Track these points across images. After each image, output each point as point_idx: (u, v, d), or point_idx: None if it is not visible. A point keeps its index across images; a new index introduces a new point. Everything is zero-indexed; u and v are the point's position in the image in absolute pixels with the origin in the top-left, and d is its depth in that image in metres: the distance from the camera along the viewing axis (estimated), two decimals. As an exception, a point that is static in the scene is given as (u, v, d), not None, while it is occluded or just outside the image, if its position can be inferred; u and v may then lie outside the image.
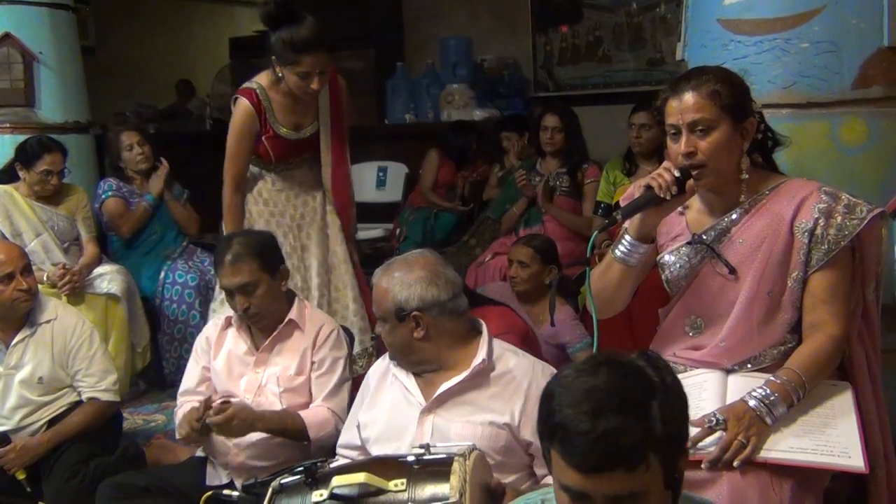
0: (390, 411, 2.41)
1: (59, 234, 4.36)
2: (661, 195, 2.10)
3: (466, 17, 7.13)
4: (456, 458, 2.01)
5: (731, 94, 2.13)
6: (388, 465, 2.06)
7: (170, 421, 4.00)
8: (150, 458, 3.44)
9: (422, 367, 2.40)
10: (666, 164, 2.17)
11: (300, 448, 2.77)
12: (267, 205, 3.51)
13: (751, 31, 2.70)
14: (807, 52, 2.63)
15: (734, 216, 2.23)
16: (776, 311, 2.19)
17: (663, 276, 2.34)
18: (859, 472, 2.02)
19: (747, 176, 2.20)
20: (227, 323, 2.94)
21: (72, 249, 4.42)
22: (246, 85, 3.42)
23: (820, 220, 2.14)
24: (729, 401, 2.12)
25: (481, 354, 2.34)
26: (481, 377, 2.34)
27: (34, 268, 3.50)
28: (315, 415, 2.78)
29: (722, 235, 2.23)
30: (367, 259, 4.06)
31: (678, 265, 2.29)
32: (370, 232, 5.93)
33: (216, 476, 2.83)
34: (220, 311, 3.34)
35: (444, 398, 2.33)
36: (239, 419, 2.64)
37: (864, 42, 2.59)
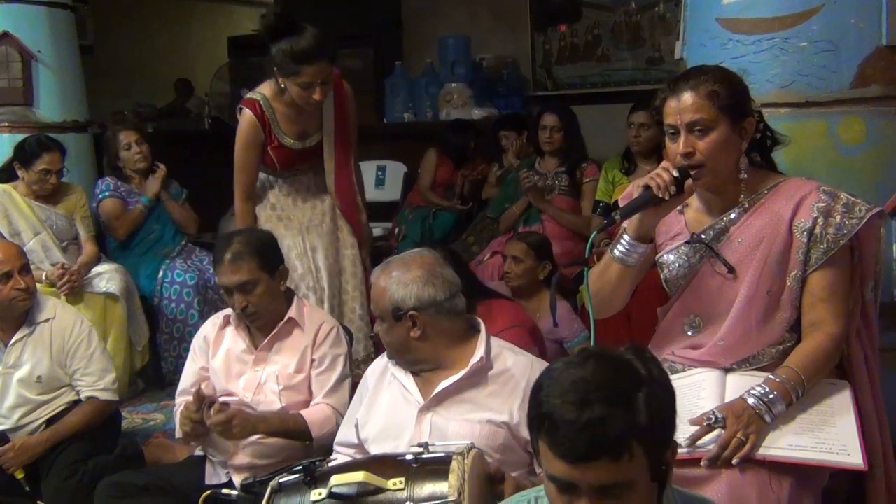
0: (389, 410, 2.42)
1: (57, 234, 4.36)
2: (660, 195, 2.11)
3: (465, 17, 7.13)
4: (454, 456, 2.02)
5: (729, 95, 2.13)
6: (387, 464, 2.06)
7: (168, 420, 4.00)
8: (148, 457, 3.44)
9: (419, 366, 2.41)
10: (664, 163, 2.17)
11: (300, 446, 2.77)
12: (274, 209, 3.52)
13: (749, 30, 2.70)
14: (805, 52, 2.63)
15: (733, 215, 2.23)
16: (775, 311, 2.19)
17: (662, 276, 2.34)
18: (858, 470, 2.03)
19: (746, 176, 2.20)
20: (226, 321, 2.94)
21: (70, 248, 4.42)
22: (250, 95, 3.42)
23: (819, 220, 2.14)
24: (728, 399, 2.12)
25: (479, 353, 2.35)
26: (479, 375, 2.34)
27: (33, 267, 3.50)
28: (316, 413, 2.79)
29: (721, 235, 2.24)
30: (366, 258, 4.06)
31: (677, 264, 2.29)
32: (368, 231, 5.93)
33: (215, 475, 2.83)
34: None
35: (442, 397, 2.33)
36: (239, 419, 2.64)
37: (863, 41, 2.59)
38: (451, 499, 1.93)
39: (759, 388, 2.06)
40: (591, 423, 1.34)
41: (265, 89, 3.39)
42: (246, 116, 3.38)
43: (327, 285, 3.46)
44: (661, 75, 6.31)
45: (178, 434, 2.84)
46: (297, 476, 2.08)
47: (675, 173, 2.12)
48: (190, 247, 4.86)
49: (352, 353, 3.16)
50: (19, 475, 3.15)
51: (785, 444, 2.02)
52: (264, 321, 2.84)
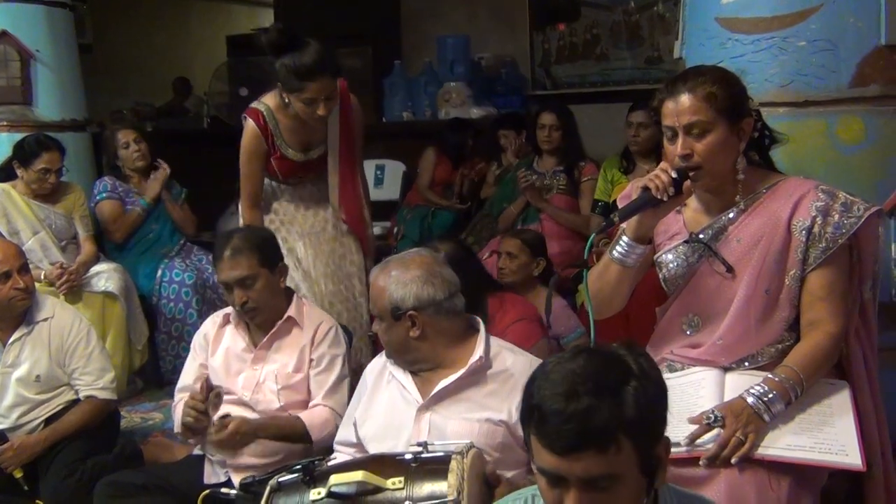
0: (387, 409, 2.42)
1: (56, 233, 4.36)
2: (659, 196, 2.11)
3: (464, 16, 7.12)
4: (454, 456, 2.02)
5: (727, 96, 2.13)
6: (386, 464, 2.06)
7: (167, 419, 3.99)
8: (147, 457, 3.44)
9: (418, 365, 2.41)
10: (663, 164, 2.17)
11: (299, 445, 2.77)
12: (277, 213, 3.51)
13: (748, 29, 2.70)
14: (804, 51, 2.63)
15: (731, 215, 2.23)
16: (773, 310, 2.19)
17: (661, 275, 2.34)
18: (856, 470, 2.03)
19: (743, 176, 2.20)
20: (226, 320, 2.94)
21: (69, 248, 4.42)
22: (254, 105, 3.39)
23: (817, 219, 2.14)
24: (727, 398, 2.12)
25: (478, 352, 2.35)
26: (478, 374, 2.34)
27: (31, 266, 3.50)
28: (315, 416, 2.79)
29: (719, 234, 2.24)
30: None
31: (675, 264, 2.29)
32: (368, 230, 5.92)
33: (214, 474, 2.82)
34: None
35: (441, 396, 2.33)
36: (241, 433, 2.66)
37: (862, 40, 2.60)
38: (450, 498, 1.93)
39: (758, 388, 2.07)
40: (578, 414, 1.36)
41: (269, 100, 3.36)
42: (249, 127, 3.36)
43: (326, 292, 3.44)
44: (660, 75, 6.31)
45: (177, 429, 2.84)
46: (296, 475, 2.08)
47: (674, 174, 2.12)
48: (188, 246, 4.86)
49: (352, 354, 3.15)
50: (18, 474, 3.15)
51: (784, 443, 2.02)
52: (264, 318, 2.84)
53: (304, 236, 3.49)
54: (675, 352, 2.30)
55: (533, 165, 4.91)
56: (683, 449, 2.01)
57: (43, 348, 3.25)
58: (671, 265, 2.30)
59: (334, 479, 2.00)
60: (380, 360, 2.55)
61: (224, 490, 2.55)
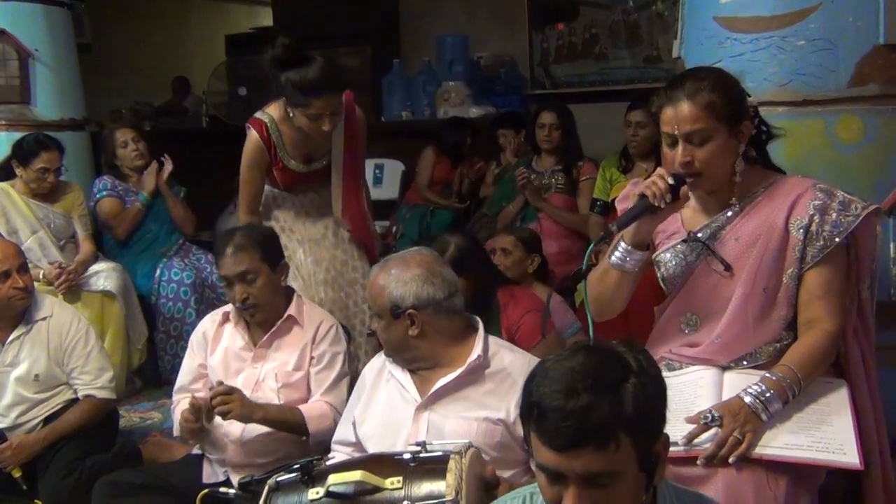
0: (386, 408, 2.42)
1: (55, 232, 4.36)
2: (657, 204, 2.11)
3: (463, 15, 7.12)
4: (452, 455, 2.02)
5: (726, 103, 2.13)
6: (385, 463, 2.06)
7: (166, 418, 3.99)
8: (146, 456, 3.44)
9: (416, 364, 2.41)
10: (660, 170, 2.17)
11: (297, 444, 2.77)
12: (277, 220, 3.50)
13: (747, 28, 2.70)
14: (803, 50, 2.63)
15: (729, 214, 2.24)
16: (771, 308, 2.19)
17: (659, 274, 2.35)
18: (854, 469, 2.03)
19: (741, 178, 2.20)
20: (225, 318, 2.95)
21: (68, 247, 4.42)
22: (258, 115, 3.37)
23: (815, 217, 2.14)
24: (725, 397, 2.12)
25: (477, 351, 2.35)
26: (477, 373, 2.34)
27: (30, 265, 3.50)
28: (314, 409, 2.79)
29: (717, 233, 2.24)
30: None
31: (674, 263, 2.29)
32: (367, 230, 5.92)
33: (213, 473, 2.83)
34: None
35: (439, 394, 2.33)
36: (239, 395, 2.65)
37: (860, 40, 2.59)
38: (448, 498, 1.93)
39: (755, 387, 2.07)
40: (577, 411, 1.37)
41: (273, 111, 3.34)
42: (252, 138, 3.35)
43: (326, 299, 3.40)
44: (658, 74, 6.31)
45: (176, 432, 2.85)
46: (294, 475, 2.08)
47: (671, 181, 2.12)
48: (187, 245, 4.86)
49: (351, 352, 3.16)
50: (16, 474, 3.15)
51: (781, 442, 2.02)
52: (264, 315, 2.84)
53: (303, 243, 3.47)
54: (674, 351, 2.31)
55: (532, 164, 4.91)
56: (681, 448, 2.01)
57: (42, 347, 3.25)
58: (669, 264, 2.30)
59: (333, 478, 2.00)
60: (379, 360, 2.55)
61: (223, 489, 2.55)
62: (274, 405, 2.78)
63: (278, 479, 2.10)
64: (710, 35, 2.79)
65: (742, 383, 2.12)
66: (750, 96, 2.27)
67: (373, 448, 2.39)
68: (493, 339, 2.44)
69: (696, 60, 2.85)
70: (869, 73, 2.61)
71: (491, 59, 7.02)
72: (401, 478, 1.99)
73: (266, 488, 2.09)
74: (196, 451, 2.93)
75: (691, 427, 2.04)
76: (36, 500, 3.18)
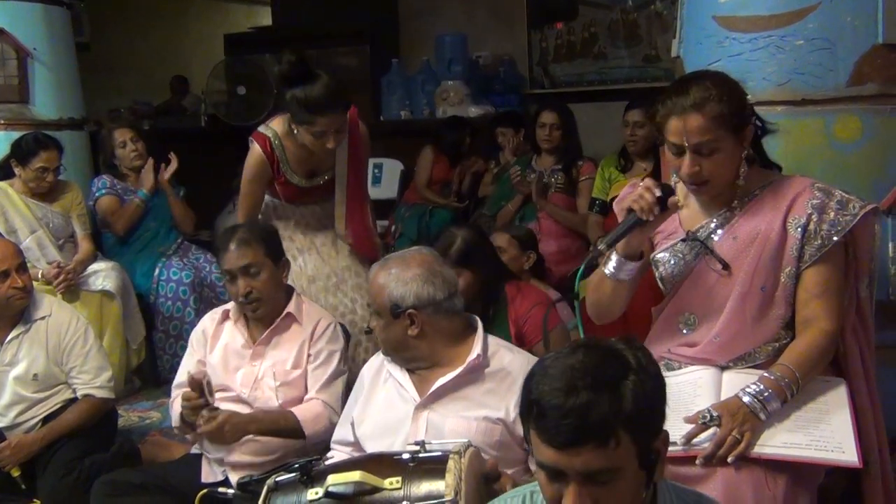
0: (385, 407, 2.42)
1: (54, 231, 4.35)
2: (645, 217, 2.11)
3: (462, 14, 7.12)
4: (451, 455, 2.01)
5: (733, 113, 2.12)
6: (384, 463, 2.06)
7: (165, 418, 3.99)
8: (145, 456, 3.44)
9: (415, 363, 2.41)
10: (647, 182, 2.16)
11: (296, 444, 2.77)
12: (278, 230, 3.50)
13: (746, 28, 2.70)
14: (801, 50, 2.63)
15: (727, 213, 2.24)
16: (769, 307, 2.19)
17: (657, 274, 2.34)
18: (853, 467, 2.03)
19: (744, 182, 2.21)
20: (224, 316, 2.95)
21: (67, 246, 4.42)
22: (261, 129, 3.37)
23: (813, 216, 2.15)
24: (723, 397, 2.13)
25: (476, 350, 2.35)
26: (476, 373, 2.34)
27: (29, 265, 3.49)
28: (308, 410, 2.79)
29: (715, 232, 2.24)
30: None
31: (672, 262, 2.29)
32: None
33: (211, 473, 2.82)
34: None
35: (438, 394, 2.33)
36: (230, 425, 2.65)
37: (859, 39, 2.59)
38: (447, 498, 1.93)
39: (753, 386, 2.07)
40: (577, 409, 1.37)
41: (277, 125, 3.34)
42: (255, 152, 3.35)
43: (327, 305, 3.38)
44: (657, 73, 6.32)
45: (175, 423, 2.85)
46: (293, 475, 2.08)
47: (658, 193, 2.11)
48: (186, 245, 4.86)
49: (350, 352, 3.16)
50: (15, 473, 3.15)
51: (780, 441, 2.02)
52: (265, 310, 2.85)
53: (303, 252, 3.48)
54: (672, 350, 2.31)
55: (531, 164, 4.92)
56: (680, 448, 2.01)
57: (40, 347, 3.25)
58: (668, 264, 2.30)
59: (332, 478, 2.00)
60: (377, 359, 2.55)
61: (222, 489, 2.56)
62: (266, 415, 2.77)
63: (277, 479, 2.09)
64: (709, 34, 2.79)
65: (740, 383, 2.12)
66: (749, 97, 2.26)
67: (371, 448, 2.38)
68: (492, 339, 2.44)
69: (694, 60, 2.85)
70: (867, 72, 2.61)
71: (490, 59, 7.02)
72: (400, 478, 1.99)
73: (265, 488, 2.09)
74: (195, 450, 2.92)
75: (690, 427, 2.04)
76: (35, 500, 3.18)
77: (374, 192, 6.35)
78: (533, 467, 2.32)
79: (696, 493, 1.68)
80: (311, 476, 2.05)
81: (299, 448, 2.75)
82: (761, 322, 2.20)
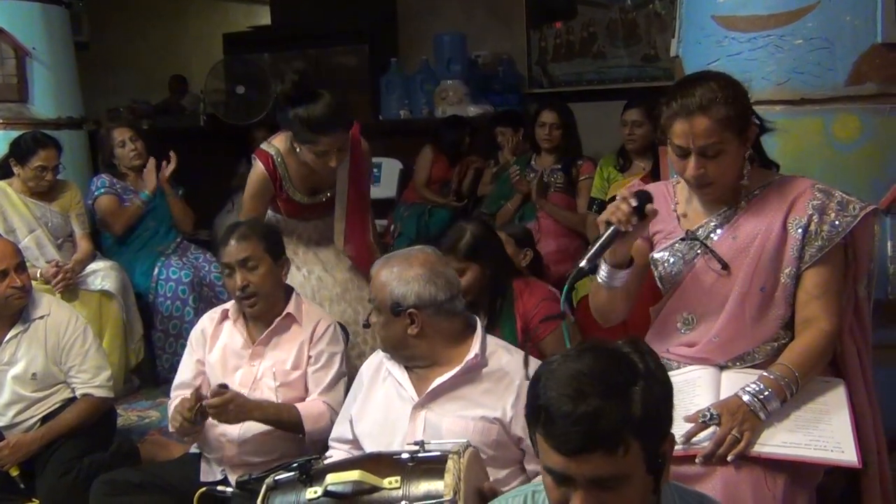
0: (383, 406, 2.42)
1: (52, 231, 4.35)
2: (624, 229, 2.11)
3: (461, 13, 7.12)
4: (450, 455, 2.01)
5: (739, 115, 2.12)
6: (383, 463, 2.06)
7: (164, 417, 3.99)
8: (144, 455, 3.44)
9: (413, 362, 2.41)
10: (622, 193, 2.15)
11: (295, 443, 2.77)
12: None
13: (745, 27, 2.70)
14: (800, 49, 2.63)
15: (727, 212, 2.24)
16: (769, 307, 2.20)
17: (656, 273, 2.34)
18: (852, 467, 2.03)
19: (748, 182, 2.21)
20: (224, 316, 2.95)
21: (65, 246, 4.41)
22: (264, 146, 3.39)
23: (814, 217, 2.15)
24: (723, 396, 2.13)
25: (474, 350, 2.35)
26: (474, 372, 2.34)
27: (28, 264, 3.49)
28: (311, 407, 2.79)
29: (714, 231, 2.24)
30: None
31: (671, 261, 2.29)
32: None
33: (210, 472, 2.83)
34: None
35: (436, 393, 2.33)
36: (235, 404, 2.65)
37: (858, 39, 2.59)
38: (446, 498, 1.93)
39: (753, 385, 2.07)
40: (586, 416, 1.35)
41: (280, 143, 3.36)
42: (257, 169, 3.37)
43: (333, 311, 3.39)
44: (656, 73, 6.32)
45: (172, 427, 2.85)
46: (292, 474, 2.08)
47: (634, 203, 2.11)
48: (185, 244, 4.86)
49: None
50: (14, 473, 3.15)
51: (779, 441, 2.03)
52: (263, 307, 2.84)
53: (307, 263, 3.49)
54: (672, 350, 2.31)
55: (530, 163, 4.92)
56: (679, 447, 2.01)
57: (39, 346, 3.25)
58: (667, 263, 2.30)
59: (331, 478, 2.00)
60: (377, 357, 2.55)
61: (220, 488, 2.56)
62: (270, 403, 2.78)
63: (276, 477, 2.09)
64: (708, 34, 2.79)
65: (740, 382, 2.12)
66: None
67: (369, 446, 2.39)
68: (491, 339, 2.44)
69: (693, 59, 2.85)
70: (866, 71, 2.61)
71: (489, 58, 7.02)
72: (399, 477, 1.99)
73: (264, 487, 2.09)
74: (194, 449, 2.93)
75: (689, 426, 2.04)
76: (33, 499, 3.17)
77: (374, 192, 6.34)
78: (529, 467, 2.32)
79: (698, 494, 1.68)
80: (310, 475, 2.05)
81: (298, 447, 2.75)
82: (760, 322, 2.20)
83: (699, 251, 2.25)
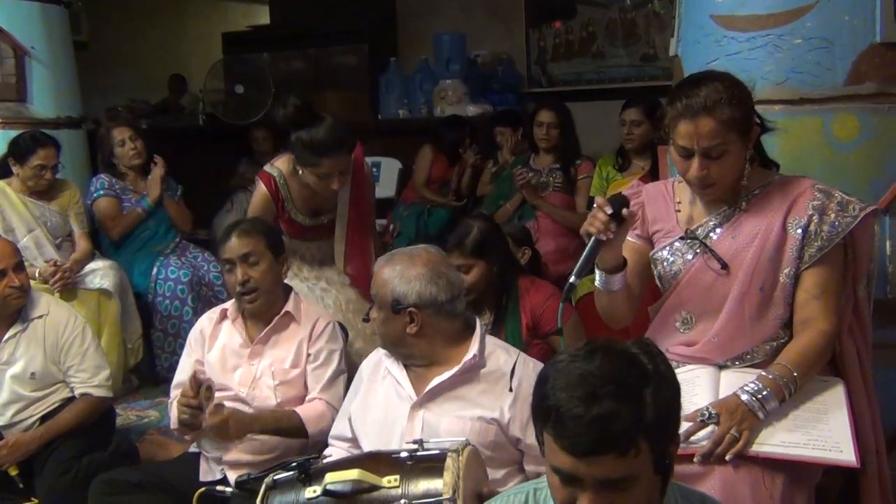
0: (382, 405, 2.42)
1: (51, 230, 4.35)
2: (603, 238, 2.11)
3: (460, 13, 7.12)
4: (449, 454, 2.01)
5: (743, 116, 2.13)
6: (382, 462, 2.06)
7: (163, 417, 3.99)
8: (143, 454, 3.44)
9: (412, 360, 2.41)
10: (598, 201, 2.15)
11: (294, 442, 2.77)
12: None
13: (744, 27, 2.70)
14: (799, 48, 2.63)
15: (727, 211, 2.24)
16: (768, 307, 2.20)
17: (655, 272, 2.35)
18: (851, 467, 2.03)
19: (748, 182, 2.21)
20: (223, 315, 2.95)
21: (64, 245, 4.41)
22: (267, 168, 3.42)
23: (814, 217, 2.15)
24: (721, 396, 2.13)
25: (473, 350, 2.35)
26: (472, 373, 2.34)
27: (26, 264, 3.49)
28: (311, 410, 2.79)
29: (714, 231, 2.24)
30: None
31: (671, 260, 2.30)
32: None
33: (210, 472, 2.82)
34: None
35: (434, 393, 2.33)
36: (235, 420, 2.65)
37: (857, 38, 2.59)
38: (445, 497, 1.93)
39: (752, 385, 2.07)
40: (599, 419, 1.35)
41: (283, 164, 3.38)
42: (260, 190, 3.40)
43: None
44: (655, 72, 6.32)
45: (174, 425, 2.84)
46: (291, 473, 2.08)
47: (609, 210, 2.11)
48: (184, 244, 4.86)
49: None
50: (13, 472, 3.14)
51: (778, 440, 2.03)
52: (262, 303, 2.84)
53: (309, 279, 3.50)
54: (670, 349, 2.31)
55: (529, 163, 4.91)
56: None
57: (38, 346, 3.24)
58: (666, 262, 2.31)
59: (330, 477, 2.00)
60: (376, 355, 2.55)
61: (220, 488, 2.55)
62: (270, 414, 2.77)
63: (275, 477, 2.10)
64: (707, 33, 2.79)
65: (739, 382, 2.12)
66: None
67: (368, 444, 2.39)
68: (490, 340, 2.44)
69: (692, 59, 2.85)
70: (865, 71, 2.61)
71: (488, 58, 7.03)
72: (398, 476, 1.99)
73: (263, 486, 2.09)
74: (193, 449, 2.92)
75: (688, 425, 2.04)
76: (32, 499, 3.17)
77: (373, 191, 6.38)
78: (528, 468, 2.32)
79: (700, 494, 1.67)
80: (310, 474, 2.05)
81: (298, 447, 2.74)
82: (760, 322, 2.20)
83: (698, 250, 2.25)
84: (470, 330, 2.43)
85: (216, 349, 2.90)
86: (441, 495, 1.94)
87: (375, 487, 1.98)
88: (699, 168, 2.14)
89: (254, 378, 2.84)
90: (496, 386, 2.33)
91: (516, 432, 2.27)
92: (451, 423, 2.28)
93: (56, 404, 3.28)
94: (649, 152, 4.38)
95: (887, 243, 2.61)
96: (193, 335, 2.98)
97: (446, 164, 5.80)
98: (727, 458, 1.98)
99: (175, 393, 2.92)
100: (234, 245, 2.82)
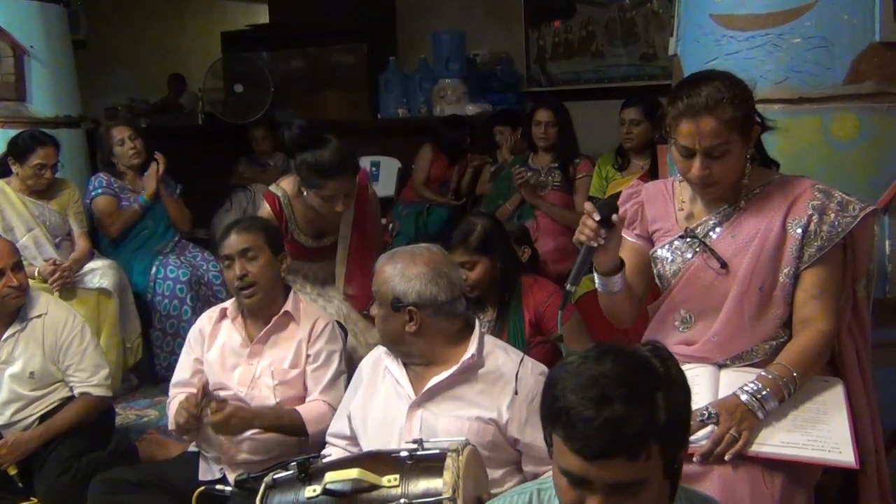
0: (381, 403, 2.42)
1: (51, 229, 4.35)
2: (594, 244, 2.12)
3: (459, 12, 7.12)
4: (449, 453, 2.02)
5: (744, 116, 2.13)
6: (381, 461, 2.06)
7: (162, 416, 3.99)
8: (142, 454, 3.44)
9: (410, 358, 2.41)
10: (586, 208, 2.16)
11: (294, 442, 2.77)
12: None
13: (743, 26, 2.70)
14: (799, 48, 2.63)
15: (726, 210, 2.24)
16: (767, 306, 2.20)
17: (655, 271, 2.35)
18: (850, 468, 2.03)
19: (748, 181, 2.21)
20: (222, 314, 2.95)
21: (64, 244, 4.41)
22: (272, 188, 3.44)
23: (814, 217, 2.15)
24: (721, 395, 2.13)
25: (471, 350, 2.35)
26: (470, 372, 2.34)
27: (25, 263, 3.49)
28: (312, 410, 2.79)
29: (714, 230, 2.24)
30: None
31: (670, 259, 2.30)
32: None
33: (209, 471, 2.83)
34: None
35: (432, 392, 2.33)
36: (237, 417, 2.65)
37: (856, 37, 2.59)
38: (445, 496, 1.93)
39: (751, 385, 2.07)
40: (611, 422, 1.33)
41: (287, 185, 3.40)
42: (264, 210, 3.42)
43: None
44: (654, 71, 6.32)
45: (171, 425, 2.84)
46: (291, 472, 2.08)
47: (597, 217, 2.11)
48: (183, 243, 4.86)
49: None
50: (12, 471, 3.14)
51: (777, 440, 2.03)
52: (260, 300, 2.84)
53: (310, 294, 3.49)
54: (671, 349, 2.30)
55: (528, 162, 4.91)
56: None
57: (37, 345, 3.24)
58: (666, 261, 2.31)
59: (329, 476, 2.00)
60: (375, 353, 2.55)
61: (219, 487, 2.56)
62: (271, 411, 2.77)
63: (275, 476, 2.10)
64: (706, 32, 2.79)
65: (738, 381, 2.12)
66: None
67: (367, 442, 2.39)
68: (488, 340, 2.44)
69: (692, 58, 2.85)
70: (864, 70, 2.61)
71: (487, 57, 7.02)
72: (397, 475, 1.99)
73: (263, 486, 2.09)
74: (192, 448, 2.92)
75: (688, 425, 2.04)
76: (32, 498, 3.17)
77: (372, 191, 6.38)
78: (527, 468, 2.32)
79: (703, 495, 1.67)
80: (309, 473, 2.05)
81: (297, 445, 2.75)
82: (759, 321, 2.20)
83: (698, 249, 2.25)
84: (469, 330, 2.43)
85: (216, 348, 2.90)
86: (441, 495, 1.94)
87: (375, 487, 1.98)
88: (701, 168, 2.14)
89: (253, 377, 2.84)
90: (494, 386, 2.33)
91: (514, 433, 2.27)
92: (448, 423, 2.28)
93: (55, 404, 3.28)
94: (649, 151, 4.38)
95: (886, 243, 2.61)
96: (193, 334, 2.98)
97: (446, 163, 5.80)
98: (726, 458, 1.98)
99: (174, 392, 2.93)
100: (234, 241, 2.83)
